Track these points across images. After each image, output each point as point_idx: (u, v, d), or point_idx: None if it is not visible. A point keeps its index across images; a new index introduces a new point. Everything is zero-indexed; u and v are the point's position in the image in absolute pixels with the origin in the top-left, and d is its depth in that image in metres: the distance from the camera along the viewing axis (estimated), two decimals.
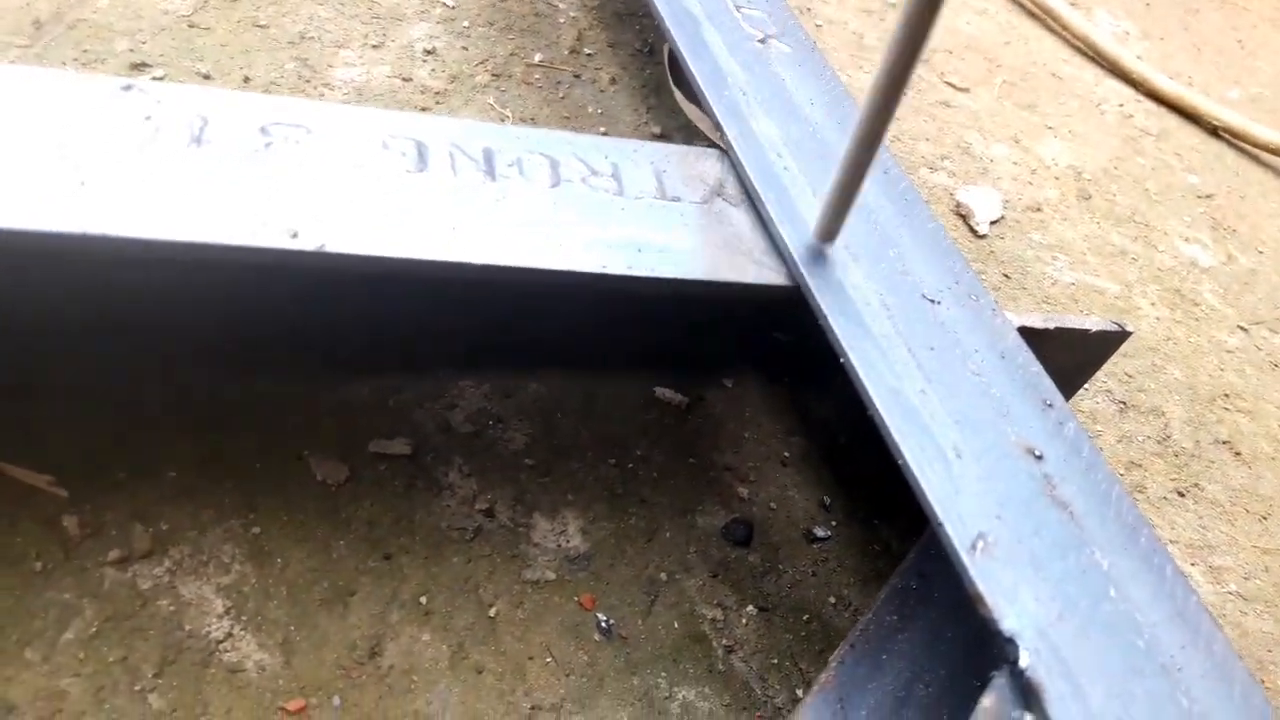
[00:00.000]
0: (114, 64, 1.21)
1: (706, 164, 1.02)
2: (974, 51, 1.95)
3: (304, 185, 0.82)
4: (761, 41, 1.19)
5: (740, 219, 0.97)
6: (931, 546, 0.89)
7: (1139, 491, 1.26)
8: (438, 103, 1.34)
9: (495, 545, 0.95)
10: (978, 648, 0.77)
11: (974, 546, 0.72)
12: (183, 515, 0.88)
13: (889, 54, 0.73)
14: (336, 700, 0.81)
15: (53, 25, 1.23)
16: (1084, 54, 2.10)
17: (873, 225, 0.98)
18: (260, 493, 0.91)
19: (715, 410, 1.14)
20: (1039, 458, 0.81)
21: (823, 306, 0.87)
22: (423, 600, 0.89)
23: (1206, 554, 1.22)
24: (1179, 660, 0.70)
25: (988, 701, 0.66)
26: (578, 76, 1.48)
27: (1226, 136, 2.01)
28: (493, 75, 1.42)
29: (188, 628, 0.82)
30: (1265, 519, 1.28)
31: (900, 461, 0.77)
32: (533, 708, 0.86)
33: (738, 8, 1.23)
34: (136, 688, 0.78)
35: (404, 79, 1.35)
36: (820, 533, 1.07)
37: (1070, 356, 1.02)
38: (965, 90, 1.83)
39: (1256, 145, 1.99)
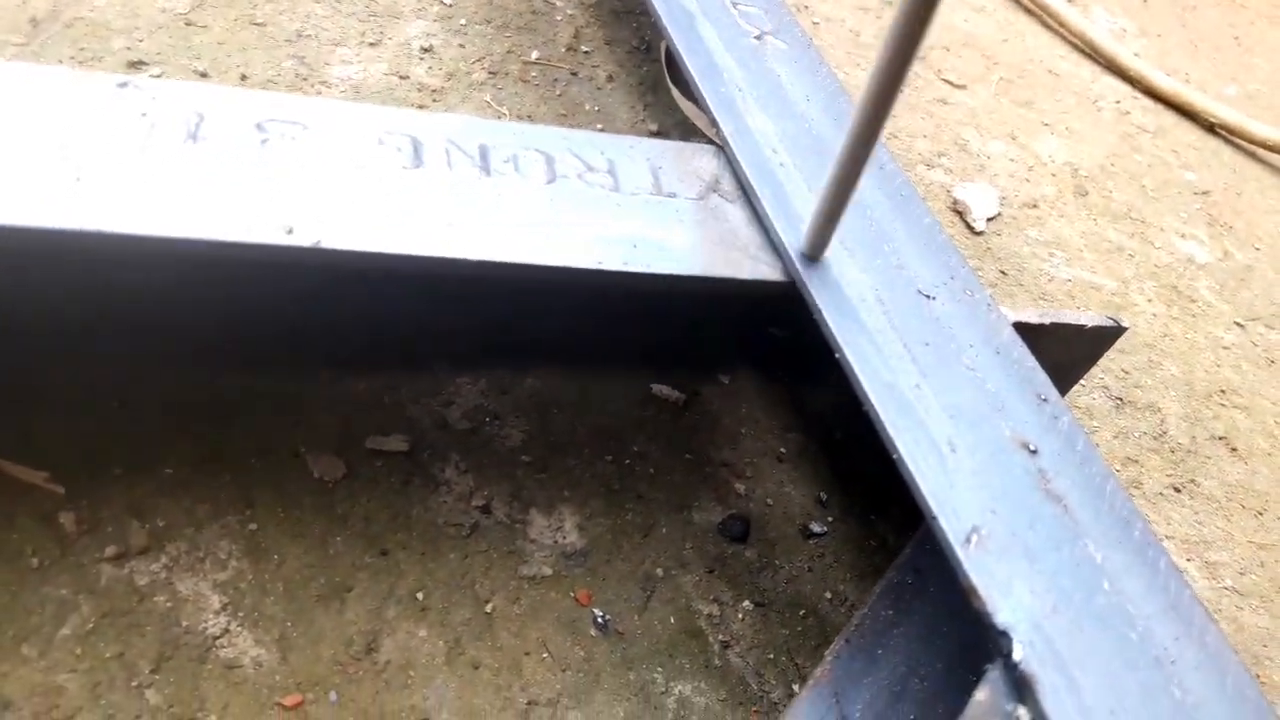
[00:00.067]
0: (111, 62, 1.21)
1: (702, 160, 1.03)
2: (971, 48, 1.95)
3: (300, 182, 0.82)
4: (758, 38, 1.19)
5: (736, 215, 0.97)
6: (927, 541, 0.89)
7: (1135, 487, 1.26)
8: (435, 100, 1.34)
9: (492, 541, 0.95)
10: (973, 642, 0.77)
11: (968, 540, 0.72)
12: (179, 511, 0.88)
13: (866, 100, 0.75)
14: (333, 695, 0.82)
15: (49, 23, 1.23)
16: (1081, 51, 2.10)
17: (868, 221, 0.98)
18: (257, 489, 0.91)
19: (712, 406, 1.14)
20: (1033, 452, 0.81)
21: (818, 302, 0.87)
22: (419, 596, 0.89)
23: (1202, 549, 1.22)
24: (1172, 653, 0.70)
25: (982, 694, 0.67)
26: (575, 74, 1.48)
27: (1223, 133, 2.01)
28: (490, 73, 1.42)
29: (184, 623, 0.82)
30: (1261, 514, 1.29)
31: (895, 456, 0.78)
32: (529, 703, 0.86)
33: (734, 4, 1.23)
34: (133, 683, 0.78)
35: (401, 77, 1.35)
36: (816, 528, 1.07)
37: (1066, 352, 1.02)
38: (962, 87, 1.83)
39: (1253, 142, 1.99)
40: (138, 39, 1.25)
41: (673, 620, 0.95)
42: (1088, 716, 0.64)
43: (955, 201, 1.56)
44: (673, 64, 1.27)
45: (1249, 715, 0.69)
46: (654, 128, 1.44)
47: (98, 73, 1.07)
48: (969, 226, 1.53)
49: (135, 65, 1.22)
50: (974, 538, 0.73)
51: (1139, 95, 2.04)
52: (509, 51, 1.47)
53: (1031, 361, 0.90)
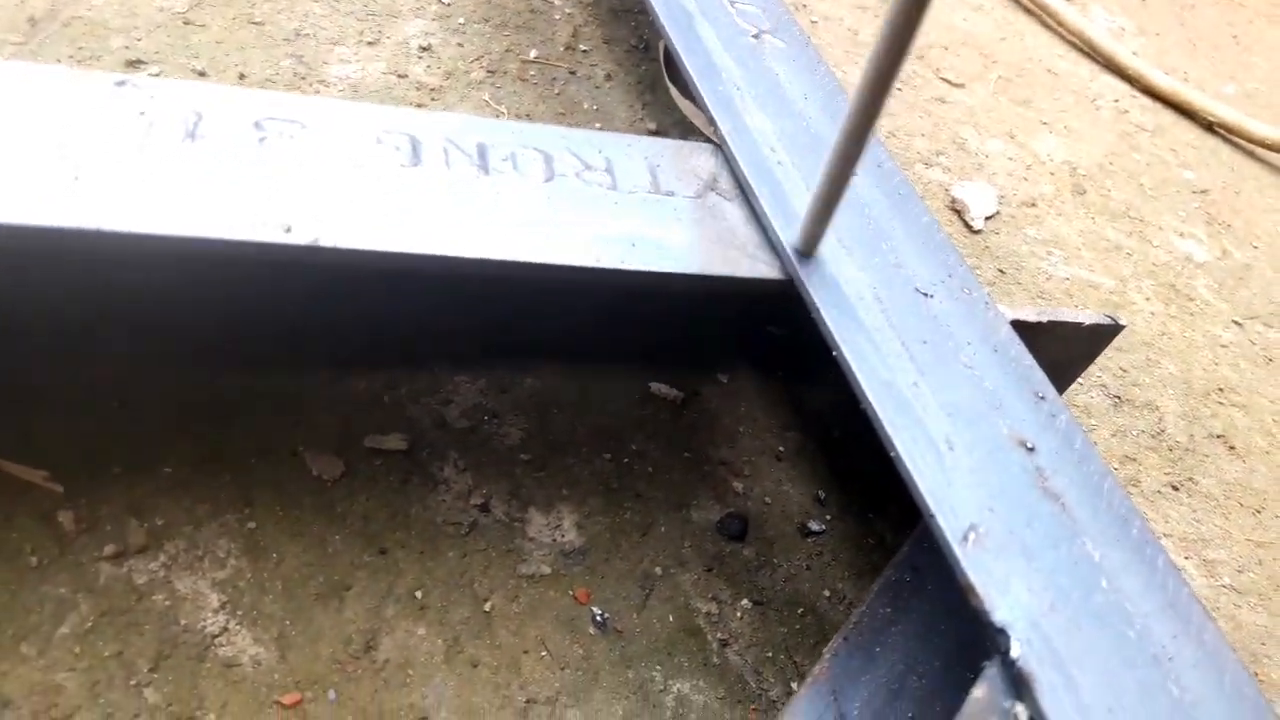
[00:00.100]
0: (109, 61, 1.21)
1: (700, 159, 1.03)
2: (969, 47, 1.95)
3: (298, 180, 0.82)
4: (756, 37, 1.20)
5: (734, 213, 0.97)
6: (925, 540, 0.89)
7: (1133, 485, 1.26)
8: (433, 99, 1.34)
9: (490, 540, 0.95)
10: (970, 639, 0.77)
11: (966, 538, 0.72)
12: (178, 510, 0.88)
13: (851, 113, 0.75)
14: (332, 694, 0.82)
15: (47, 22, 1.23)
16: (1080, 50, 2.10)
17: (866, 219, 0.98)
18: (256, 488, 0.91)
19: (710, 405, 1.15)
20: (1031, 450, 0.81)
21: (816, 300, 0.87)
22: (418, 595, 0.90)
23: (1200, 547, 1.22)
24: (1170, 650, 0.70)
25: (979, 692, 0.67)
26: (573, 73, 1.48)
27: (1222, 132, 2.01)
28: (488, 72, 1.42)
29: (183, 622, 0.82)
30: (1259, 512, 1.29)
31: (892, 453, 0.78)
32: (528, 701, 0.86)
33: (732, 3, 1.23)
34: (132, 682, 0.78)
35: (399, 75, 1.35)
36: (815, 527, 1.07)
37: (1063, 350, 1.02)
38: (961, 86, 1.83)
39: (1252, 141, 1.99)
40: (136, 38, 1.25)
41: (671, 618, 0.95)
42: (1085, 714, 0.64)
43: (953, 200, 1.56)
44: (671, 63, 1.27)
45: (1247, 713, 0.69)
46: (652, 126, 1.44)
47: (96, 71, 1.07)
48: (967, 225, 1.53)
49: (133, 64, 1.22)
50: (972, 535, 0.73)
51: (1137, 94, 2.04)
52: (507, 50, 1.47)
53: (1029, 359, 0.90)
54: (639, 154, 1.00)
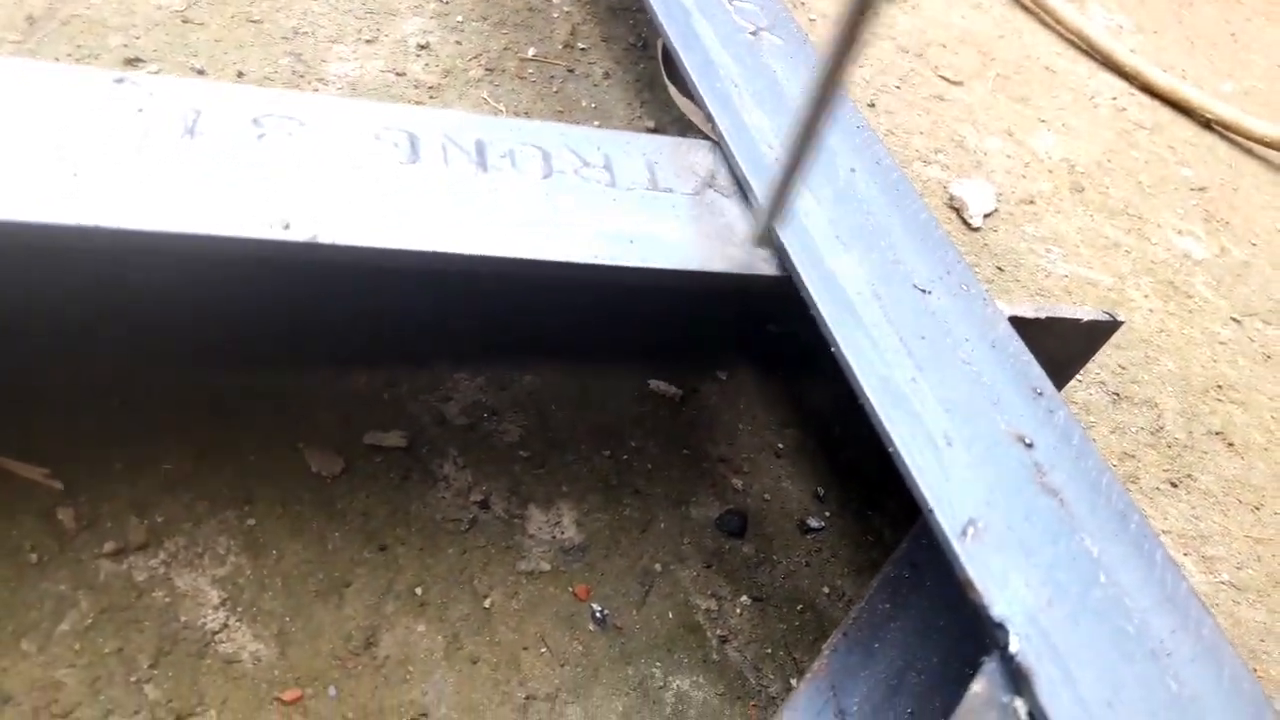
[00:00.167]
0: (107, 59, 1.21)
1: (698, 155, 1.03)
2: (968, 45, 1.95)
3: (296, 177, 0.82)
4: (753, 34, 1.20)
5: (732, 210, 0.98)
6: (923, 535, 0.89)
7: (1132, 482, 1.26)
8: (431, 97, 1.34)
9: (490, 537, 0.95)
10: (969, 634, 0.77)
11: (964, 533, 0.73)
12: (178, 507, 0.88)
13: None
14: (332, 690, 0.82)
15: (46, 21, 1.23)
16: (1078, 47, 2.10)
17: (865, 216, 0.99)
18: (256, 485, 0.91)
19: (709, 402, 1.15)
20: (1029, 445, 0.81)
21: (814, 296, 0.88)
22: (418, 591, 0.90)
23: (1199, 544, 1.22)
24: (1168, 645, 0.71)
25: (978, 687, 0.67)
26: (571, 71, 1.48)
27: (1220, 129, 2.02)
28: (486, 70, 1.42)
29: (183, 619, 0.82)
30: (1258, 509, 1.29)
31: (891, 449, 0.78)
32: (528, 698, 0.86)
33: (730, 0, 1.23)
34: (132, 679, 0.78)
35: (398, 74, 1.35)
36: (814, 523, 1.07)
37: (1062, 346, 1.02)
38: (959, 84, 1.84)
39: (1250, 138, 1.99)
40: (134, 36, 1.26)
41: (671, 615, 0.95)
42: (1084, 708, 0.64)
43: (952, 198, 1.56)
44: (669, 60, 1.27)
45: (1245, 707, 0.69)
46: (650, 124, 1.44)
47: (94, 69, 1.07)
48: (966, 223, 1.54)
49: (132, 62, 1.22)
50: (970, 531, 0.73)
51: (1135, 92, 2.04)
52: (506, 48, 1.47)
53: (1027, 356, 0.90)
54: (637, 151, 1.00)
